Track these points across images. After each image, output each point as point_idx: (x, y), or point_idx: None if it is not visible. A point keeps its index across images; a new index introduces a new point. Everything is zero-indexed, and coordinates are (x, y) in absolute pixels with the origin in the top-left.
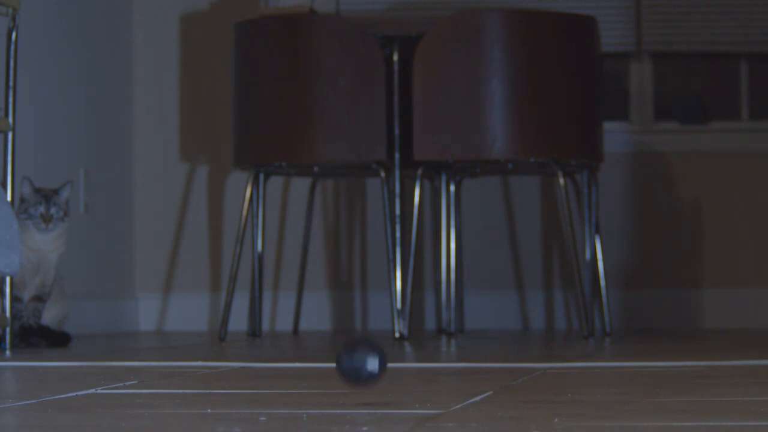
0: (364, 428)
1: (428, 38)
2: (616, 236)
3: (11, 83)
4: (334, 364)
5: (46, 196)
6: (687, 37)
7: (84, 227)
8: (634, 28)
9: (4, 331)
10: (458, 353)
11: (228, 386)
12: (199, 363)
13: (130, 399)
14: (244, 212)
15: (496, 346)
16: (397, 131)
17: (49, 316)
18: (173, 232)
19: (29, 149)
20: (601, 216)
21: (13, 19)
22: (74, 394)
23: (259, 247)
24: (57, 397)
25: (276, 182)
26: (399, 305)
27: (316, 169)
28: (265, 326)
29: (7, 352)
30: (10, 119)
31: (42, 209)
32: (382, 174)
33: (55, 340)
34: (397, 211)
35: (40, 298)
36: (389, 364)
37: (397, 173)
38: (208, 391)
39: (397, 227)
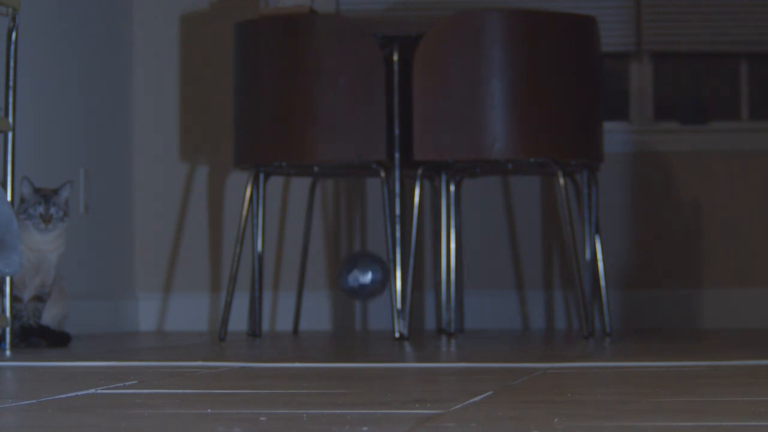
0: (364, 428)
1: (428, 38)
2: (616, 236)
3: (11, 83)
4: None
5: (46, 196)
6: (687, 37)
7: (84, 227)
8: (634, 28)
9: (4, 331)
10: (458, 353)
11: (228, 386)
12: (199, 363)
13: (130, 399)
14: (244, 212)
15: (496, 346)
16: (397, 131)
17: (49, 316)
18: (173, 232)
19: (29, 149)
20: (601, 216)
21: (13, 19)
22: (74, 394)
23: (259, 247)
24: (57, 397)
25: (276, 182)
26: (399, 305)
27: (316, 169)
28: (265, 326)
29: (7, 352)
30: (10, 119)
31: (42, 209)
32: (382, 174)
33: (55, 340)
34: (397, 211)
35: (40, 298)
36: (390, 364)
37: (397, 173)
38: (208, 391)
39: (397, 227)
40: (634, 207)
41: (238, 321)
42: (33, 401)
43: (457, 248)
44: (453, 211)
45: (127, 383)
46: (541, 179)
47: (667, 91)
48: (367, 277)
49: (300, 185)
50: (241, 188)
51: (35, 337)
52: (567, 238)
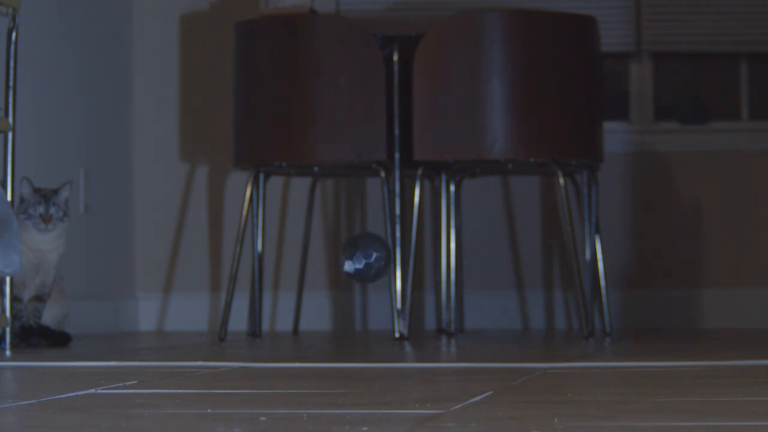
0: (364, 428)
1: (428, 38)
2: (616, 236)
3: (11, 83)
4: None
5: (46, 196)
6: (687, 37)
7: (84, 227)
8: (634, 28)
9: (4, 331)
10: (458, 353)
11: (228, 386)
12: (199, 363)
13: (130, 399)
14: (244, 212)
15: (496, 346)
16: (397, 131)
17: (49, 316)
18: (173, 233)
19: (29, 149)
20: (601, 216)
21: (13, 19)
22: (74, 394)
23: (259, 247)
24: (57, 397)
25: (276, 182)
26: (399, 305)
27: (316, 169)
28: (265, 326)
29: (7, 352)
30: (10, 119)
31: (41, 209)
32: (382, 174)
33: (55, 340)
34: (397, 211)
35: (40, 298)
36: (390, 364)
37: (397, 173)
38: (208, 391)
39: (397, 227)
40: (634, 207)
41: (238, 321)
42: (33, 401)
43: (457, 248)
44: (453, 211)
45: (127, 383)
46: (541, 179)
47: (667, 91)
48: (371, 257)
49: (300, 185)
50: (241, 188)
51: (35, 337)
52: (567, 238)
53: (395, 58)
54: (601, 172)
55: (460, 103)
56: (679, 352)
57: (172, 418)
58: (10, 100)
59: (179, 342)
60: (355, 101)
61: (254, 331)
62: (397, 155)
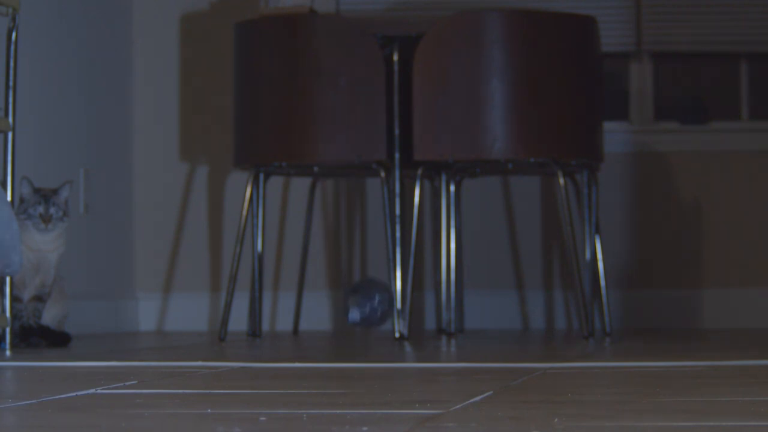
0: (364, 428)
1: (428, 38)
2: (616, 236)
3: (11, 83)
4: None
5: (46, 196)
6: (687, 37)
7: (84, 227)
8: (634, 28)
9: (4, 331)
10: (458, 353)
11: (228, 386)
12: (199, 363)
13: (130, 399)
14: (244, 212)
15: (496, 346)
16: (397, 131)
17: (49, 316)
18: (173, 233)
19: (29, 149)
20: (601, 216)
21: (13, 19)
22: (74, 394)
23: (259, 247)
24: (57, 397)
25: (276, 182)
26: (399, 305)
27: (316, 169)
28: (265, 326)
29: (7, 352)
30: (10, 119)
31: (41, 209)
32: (382, 174)
33: (55, 340)
34: (397, 211)
35: (40, 298)
36: (390, 364)
37: (397, 173)
38: (208, 391)
39: (397, 227)
40: (634, 207)
41: (238, 321)
42: (33, 401)
43: (457, 248)
44: (453, 211)
45: (127, 383)
46: (541, 179)
47: (667, 91)
48: (374, 299)
49: (300, 185)
50: (241, 188)
51: (35, 337)
52: (567, 238)
53: (395, 58)
54: (601, 172)
55: (460, 103)
56: (679, 352)
57: (172, 418)
58: (10, 100)
59: (179, 342)
60: (355, 101)
61: (254, 331)
62: (397, 155)
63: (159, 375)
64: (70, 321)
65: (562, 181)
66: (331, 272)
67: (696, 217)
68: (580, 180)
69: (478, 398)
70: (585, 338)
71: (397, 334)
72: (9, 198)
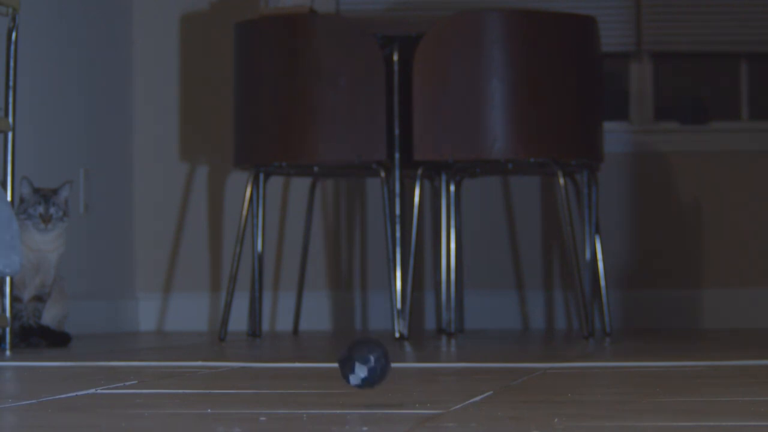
0: (364, 428)
1: (428, 38)
2: (616, 236)
3: (11, 83)
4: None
5: (45, 196)
6: (687, 37)
7: (84, 227)
8: (634, 28)
9: (4, 331)
10: (458, 353)
11: (228, 386)
12: (199, 363)
13: (130, 399)
14: (244, 212)
15: (496, 346)
16: (397, 131)
17: (49, 316)
18: (173, 232)
19: (29, 149)
20: (601, 216)
21: (13, 19)
22: (74, 394)
23: (259, 247)
24: (57, 397)
25: (276, 182)
26: (399, 305)
27: (316, 169)
28: (265, 326)
29: (7, 352)
30: (10, 119)
31: (41, 209)
32: (382, 174)
33: (55, 340)
34: (397, 211)
35: (40, 298)
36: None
37: (397, 173)
38: (208, 391)
39: (397, 227)
40: (634, 207)
41: (238, 321)
42: (33, 401)
43: (457, 248)
44: (453, 211)
45: (127, 383)
46: (541, 179)
47: (667, 91)
48: (370, 361)
49: (300, 185)
50: (241, 188)
51: (35, 337)
52: (567, 238)
53: (395, 58)
54: (601, 172)
55: (460, 103)
56: (679, 352)
57: (172, 418)
58: (10, 100)
59: (179, 342)
60: (355, 101)
61: (254, 331)
62: (397, 155)
63: (159, 375)
64: (70, 321)
65: (562, 181)
66: (331, 272)
67: (696, 217)
68: (580, 180)
69: (478, 398)
70: (585, 338)
71: (397, 334)
72: (9, 198)
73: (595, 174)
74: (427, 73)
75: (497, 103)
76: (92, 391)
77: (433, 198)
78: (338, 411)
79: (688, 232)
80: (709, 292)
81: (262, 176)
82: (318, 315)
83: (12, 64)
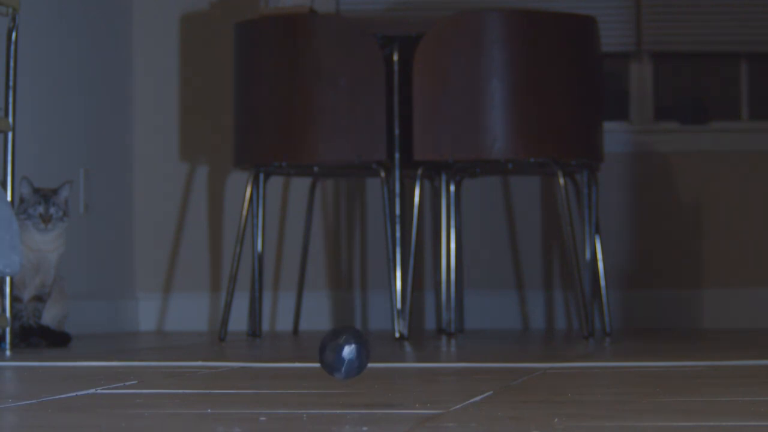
0: (364, 428)
1: (428, 38)
2: (616, 236)
3: (11, 83)
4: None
5: (45, 196)
6: (687, 37)
7: (84, 227)
8: (634, 28)
9: (4, 331)
10: (458, 353)
11: (228, 386)
12: (199, 363)
13: (130, 399)
14: (244, 212)
15: (496, 346)
16: (397, 131)
17: (49, 316)
18: (173, 232)
19: (29, 149)
20: (601, 216)
21: (13, 19)
22: (74, 394)
23: (259, 247)
24: (57, 397)
25: (276, 182)
26: (399, 305)
27: (316, 169)
28: (265, 326)
29: (7, 352)
30: (10, 119)
31: (41, 209)
32: (382, 174)
33: (55, 340)
34: (397, 211)
35: (40, 298)
36: (390, 364)
37: (397, 173)
38: (208, 391)
39: (397, 227)
40: (634, 207)
41: (238, 321)
42: (33, 401)
43: (457, 248)
44: (453, 211)
45: (127, 383)
46: (541, 179)
47: (667, 91)
48: (342, 354)
49: (300, 185)
50: (241, 188)
51: (35, 337)
52: (567, 238)
53: (395, 58)
54: (601, 172)
55: (460, 103)
56: (679, 352)
57: (172, 418)
58: (10, 100)
59: (179, 342)
60: (355, 101)
61: (254, 331)
62: (397, 155)
63: (159, 375)
64: (70, 321)
65: (562, 181)
66: (331, 272)
67: (696, 217)
68: (580, 180)
69: (478, 398)
70: (585, 338)
71: (397, 334)
72: (9, 198)
73: (595, 174)
74: (427, 73)
75: (497, 103)
76: (92, 391)
77: (433, 198)
78: (338, 411)
79: (688, 232)
80: (709, 292)
81: (262, 176)
82: (318, 315)
83: (12, 64)
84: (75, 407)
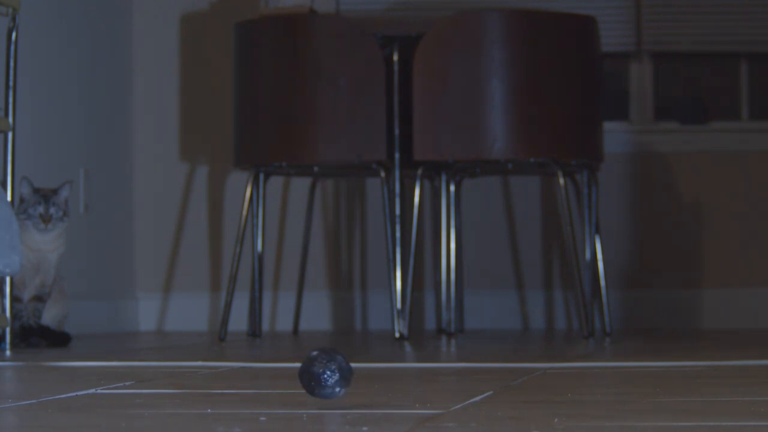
0: (364, 428)
1: (428, 38)
2: (616, 236)
3: (11, 83)
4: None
5: (45, 196)
6: (687, 37)
7: (84, 227)
8: (634, 28)
9: (4, 331)
10: (458, 353)
11: (228, 386)
12: (199, 363)
13: (130, 399)
14: (244, 212)
15: (496, 346)
16: (397, 131)
17: (49, 316)
18: (173, 232)
19: (29, 149)
20: (601, 216)
21: (13, 19)
22: (74, 394)
23: (259, 247)
24: (57, 397)
25: (276, 182)
26: (399, 305)
27: (316, 169)
28: (265, 326)
29: (7, 352)
30: (10, 119)
31: (41, 209)
32: (382, 174)
33: (55, 340)
34: (397, 211)
35: (40, 298)
36: (390, 364)
37: (397, 173)
38: (208, 391)
39: (397, 227)
40: (634, 207)
41: (238, 321)
42: (33, 401)
43: (457, 248)
44: (453, 211)
45: (127, 383)
46: (541, 179)
47: (667, 91)
48: (323, 380)
49: (300, 185)
50: (241, 188)
51: (35, 337)
52: (567, 238)
53: (395, 58)
54: (601, 172)
55: (460, 103)
56: (679, 352)
57: (172, 418)
58: (10, 100)
59: (179, 342)
60: (355, 101)
61: (254, 331)
62: (397, 155)
63: (159, 375)
64: (70, 321)
65: (562, 181)
66: (331, 272)
67: (696, 217)
68: (580, 180)
69: (478, 398)
70: (585, 338)
71: (397, 334)
72: (9, 198)
73: (595, 174)
74: (427, 73)
75: (497, 103)
76: (92, 391)
77: (433, 198)
78: (338, 411)
79: (688, 232)
80: (709, 292)
81: (262, 176)
82: (318, 315)
83: (12, 64)
84: (75, 407)
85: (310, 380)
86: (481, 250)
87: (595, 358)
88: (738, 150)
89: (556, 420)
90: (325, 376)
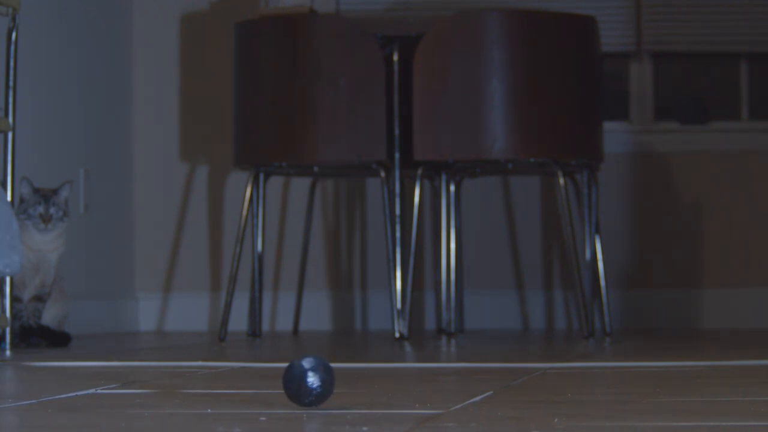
0: (364, 428)
1: (428, 38)
2: (616, 236)
3: (11, 83)
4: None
5: (45, 196)
6: (687, 37)
7: (84, 227)
8: (634, 28)
9: (4, 331)
10: (458, 353)
11: (228, 386)
12: (199, 363)
13: (130, 399)
14: (244, 212)
15: (496, 346)
16: (397, 131)
17: (49, 316)
18: (173, 232)
19: (29, 149)
20: (601, 216)
21: (13, 19)
22: (74, 394)
23: (259, 247)
24: (57, 397)
25: (276, 182)
26: (399, 305)
27: (316, 169)
28: (265, 326)
29: (7, 352)
30: (10, 119)
31: (41, 209)
32: (382, 174)
33: (55, 340)
34: (397, 211)
35: (40, 298)
36: (390, 364)
37: (397, 173)
38: (208, 391)
39: (397, 227)
40: (634, 207)
41: (238, 321)
42: (33, 401)
43: (457, 248)
44: (453, 211)
45: (127, 383)
46: (541, 179)
47: (667, 91)
48: (310, 394)
49: (300, 185)
50: (241, 188)
51: (35, 337)
52: (567, 238)
53: (395, 58)
54: (601, 172)
55: (460, 103)
56: (679, 352)
57: (172, 418)
58: (10, 100)
59: (179, 342)
60: (355, 101)
61: (254, 331)
62: (397, 155)
63: (159, 375)
64: (70, 321)
65: (562, 181)
66: (331, 272)
67: (696, 217)
68: (580, 180)
69: (478, 398)
70: (585, 338)
71: (397, 334)
72: (9, 198)
73: (595, 174)
74: (427, 73)
75: (497, 103)
76: (92, 391)
77: (433, 198)
78: (338, 411)
79: (688, 232)
80: (709, 292)
81: (262, 176)
82: (318, 315)
83: (12, 64)
84: (75, 407)
85: (297, 392)
86: (481, 250)
87: (595, 358)
88: (738, 150)
89: (556, 420)
90: (308, 383)
